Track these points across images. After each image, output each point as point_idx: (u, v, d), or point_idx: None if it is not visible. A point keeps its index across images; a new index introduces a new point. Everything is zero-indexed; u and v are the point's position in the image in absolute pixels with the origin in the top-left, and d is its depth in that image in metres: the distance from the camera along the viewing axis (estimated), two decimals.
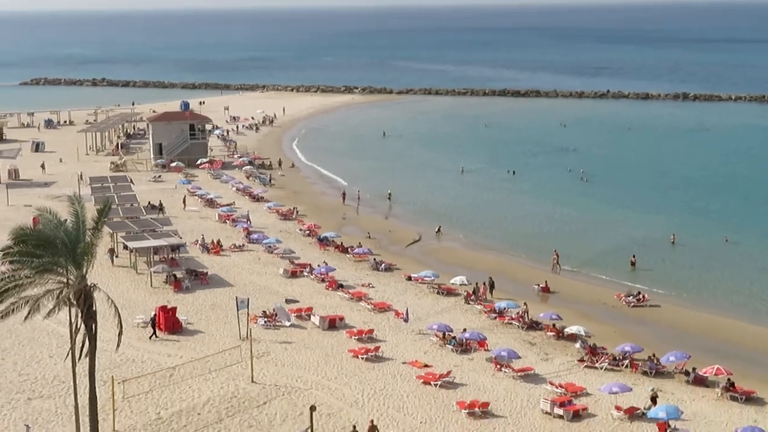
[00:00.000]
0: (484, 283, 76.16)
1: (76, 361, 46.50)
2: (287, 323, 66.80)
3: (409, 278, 79.77)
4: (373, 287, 77.04)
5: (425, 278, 78.92)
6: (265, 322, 66.50)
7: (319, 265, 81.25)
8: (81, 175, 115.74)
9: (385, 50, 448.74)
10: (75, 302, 44.62)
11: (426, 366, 58.59)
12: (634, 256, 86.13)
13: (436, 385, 55.37)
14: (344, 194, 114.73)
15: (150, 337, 63.71)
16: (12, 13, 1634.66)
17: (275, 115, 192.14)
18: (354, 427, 47.81)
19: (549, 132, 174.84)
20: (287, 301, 71.52)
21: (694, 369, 57.94)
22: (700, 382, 57.11)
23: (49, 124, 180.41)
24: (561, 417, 50.97)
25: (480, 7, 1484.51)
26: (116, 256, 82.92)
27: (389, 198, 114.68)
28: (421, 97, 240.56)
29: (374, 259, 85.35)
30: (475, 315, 70.85)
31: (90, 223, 46.48)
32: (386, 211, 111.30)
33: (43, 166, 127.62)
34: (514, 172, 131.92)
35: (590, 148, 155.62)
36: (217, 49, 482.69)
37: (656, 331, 68.17)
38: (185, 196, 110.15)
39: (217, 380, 55.88)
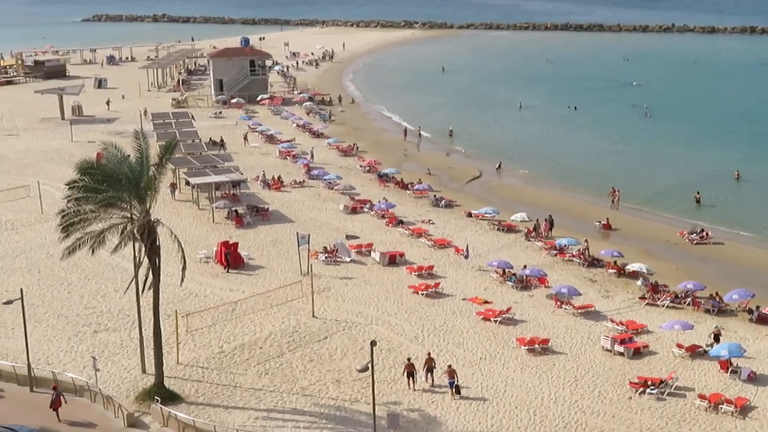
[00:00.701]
0: (546, 220, 75.73)
1: (140, 294, 47.25)
2: (348, 259, 67.10)
3: (470, 215, 79.54)
4: (433, 224, 76.95)
5: (485, 215, 78.64)
6: (325, 257, 66.85)
7: (379, 201, 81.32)
8: (145, 111, 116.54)
9: None
10: (139, 237, 45.14)
11: (486, 302, 58.57)
12: (698, 193, 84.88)
13: (495, 321, 55.40)
14: (406, 131, 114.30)
15: (227, 270, 64.51)
16: None
17: (334, 51, 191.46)
18: (408, 359, 48.11)
19: (611, 67, 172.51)
20: (348, 237, 71.77)
21: (757, 307, 57.30)
22: (764, 320, 56.45)
23: (111, 60, 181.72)
24: (621, 354, 50.77)
25: None
26: (179, 191, 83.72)
27: (450, 135, 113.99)
28: (481, 32, 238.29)
29: (434, 196, 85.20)
30: (535, 252, 70.57)
31: (153, 159, 46.84)
32: (447, 147, 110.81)
33: (108, 103, 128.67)
34: (575, 108, 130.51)
35: (654, 83, 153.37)
36: None
37: (719, 269, 67.40)
38: (246, 132, 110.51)
39: (278, 315, 56.43)
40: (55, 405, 44.35)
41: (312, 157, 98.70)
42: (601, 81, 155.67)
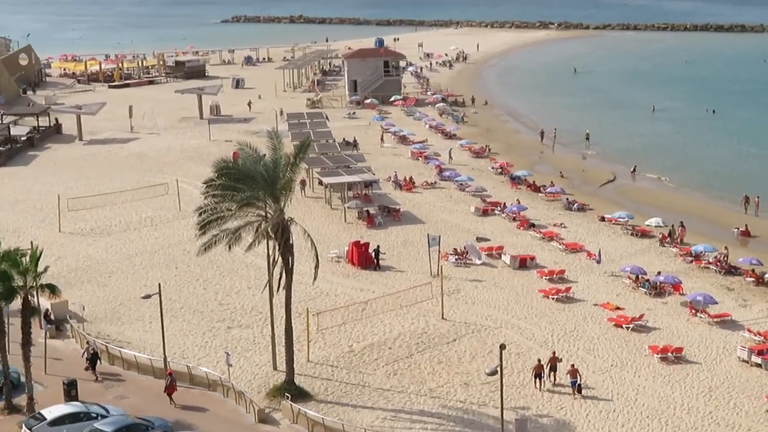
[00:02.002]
0: (681, 225, 74.10)
1: (274, 292, 48.06)
2: (478, 261, 66.92)
3: (603, 219, 78.42)
4: (565, 227, 76.15)
5: (619, 219, 77.46)
6: (456, 259, 66.81)
7: (510, 204, 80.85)
8: (281, 111, 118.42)
9: None
10: (273, 235, 45.92)
11: (618, 308, 57.67)
12: None
13: (627, 328, 54.49)
14: (542, 133, 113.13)
15: (375, 268, 65.37)
16: None
17: (468, 52, 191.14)
18: (539, 360, 47.84)
19: (753, 69, 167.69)
20: (478, 239, 71.59)
21: None
22: None
23: (248, 61, 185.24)
24: (759, 366, 49.33)
25: None
26: (311, 189, 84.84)
27: (587, 138, 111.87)
28: (617, 33, 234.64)
29: (567, 199, 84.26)
30: (670, 258, 69.14)
31: (288, 159, 47.57)
32: (580, 149, 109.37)
33: (249, 104, 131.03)
34: (713, 111, 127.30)
35: None
36: None
37: None
38: (383, 133, 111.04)
39: (407, 316, 56.65)
40: (169, 390, 46.08)
41: (450, 158, 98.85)
42: (741, 84, 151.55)
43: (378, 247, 67.53)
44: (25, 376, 44.74)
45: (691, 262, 67.69)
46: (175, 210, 79.73)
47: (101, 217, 78.68)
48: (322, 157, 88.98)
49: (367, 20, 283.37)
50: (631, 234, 74.52)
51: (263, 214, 46.41)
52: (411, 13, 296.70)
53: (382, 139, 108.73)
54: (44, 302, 54.12)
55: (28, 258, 44.29)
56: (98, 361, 49.63)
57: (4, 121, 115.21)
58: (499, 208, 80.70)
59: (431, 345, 52.52)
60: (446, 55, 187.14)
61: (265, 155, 48.04)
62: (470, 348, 51.99)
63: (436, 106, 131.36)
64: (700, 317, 56.36)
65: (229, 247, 46.69)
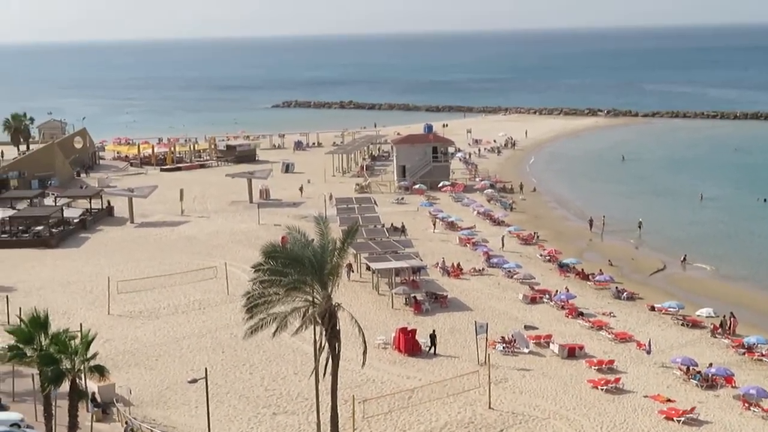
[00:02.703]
0: (732, 316, 73.04)
1: (320, 379, 47.85)
2: (526, 350, 66.33)
3: (653, 308, 77.58)
4: (614, 316, 75.40)
5: (669, 309, 76.59)
6: (503, 347, 66.28)
7: (559, 292, 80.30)
8: (330, 196, 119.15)
9: (631, 71, 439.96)
10: (320, 321, 45.90)
11: (669, 401, 56.72)
12: None
13: (679, 421, 53.51)
14: (591, 220, 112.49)
15: (429, 350, 65.22)
16: (263, 38, 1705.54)
17: (516, 138, 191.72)
18: None
19: None
20: (526, 327, 71.06)
21: None
22: None
23: (298, 145, 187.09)
24: None
25: (725, 26, 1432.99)
26: (358, 273, 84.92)
27: (640, 227, 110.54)
28: (666, 121, 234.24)
29: (616, 287, 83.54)
30: (721, 349, 68.05)
31: (336, 244, 47.74)
32: (629, 237, 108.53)
33: (301, 189, 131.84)
34: (765, 200, 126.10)
35: None
36: (454, 71, 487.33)
37: None
38: (434, 220, 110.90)
39: (454, 404, 56.09)
40: None
41: (502, 245, 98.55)
42: None
43: (434, 331, 67.31)
44: None
45: (744, 354, 66.58)
46: (223, 293, 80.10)
47: (150, 300, 79.25)
48: (370, 243, 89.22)
49: (416, 106, 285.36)
50: (682, 324, 73.59)
51: (310, 299, 46.49)
52: (460, 99, 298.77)
53: (434, 225, 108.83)
54: (91, 385, 54.28)
55: (77, 340, 44.56)
56: None
57: (57, 203, 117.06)
58: (547, 295, 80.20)
59: None
60: (495, 141, 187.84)
61: (313, 240, 48.29)
62: None
63: (485, 192, 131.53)
64: (754, 411, 55.25)
65: (275, 333, 46.70)
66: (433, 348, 66.18)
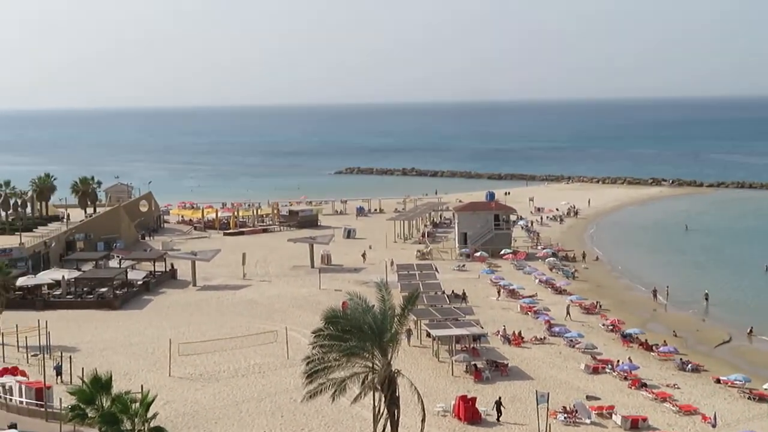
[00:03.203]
0: None
1: None
2: (588, 421, 65.31)
3: (718, 381, 76.11)
4: (678, 388, 74.04)
5: (735, 381, 75.03)
6: (564, 418, 65.35)
7: (621, 362, 79.14)
8: (391, 262, 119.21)
9: (695, 141, 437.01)
10: (380, 388, 45.70)
11: None
12: None
13: None
14: (655, 290, 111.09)
15: (497, 418, 64.80)
16: (326, 105, 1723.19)
17: (579, 207, 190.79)
18: None
19: None
20: (588, 398, 70.04)
21: None
22: None
23: (360, 211, 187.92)
24: None
25: None
26: (418, 340, 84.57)
27: (706, 299, 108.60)
28: (731, 191, 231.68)
29: (680, 359, 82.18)
30: None
31: (396, 310, 47.70)
32: (695, 308, 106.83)
33: (364, 255, 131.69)
34: None
35: None
36: (515, 139, 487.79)
37: None
38: (499, 288, 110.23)
39: None
40: None
41: (568, 314, 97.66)
42: None
43: (499, 398, 66.70)
44: None
45: None
46: (283, 357, 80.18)
47: (210, 363, 79.58)
48: (431, 309, 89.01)
49: (478, 174, 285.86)
50: (748, 398, 72.02)
51: (370, 365, 46.36)
52: (522, 167, 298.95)
53: (498, 293, 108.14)
54: None
55: (138, 403, 44.76)
56: None
57: (122, 266, 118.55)
58: (609, 366, 79.08)
59: None
60: (557, 209, 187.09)
61: (373, 306, 48.29)
62: None
63: (547, 260, 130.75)
64: None
65: (333, 398, 46.54)
66: (498, 415, 65.52)
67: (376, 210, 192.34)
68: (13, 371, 74.06)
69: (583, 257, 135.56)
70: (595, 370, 78.49)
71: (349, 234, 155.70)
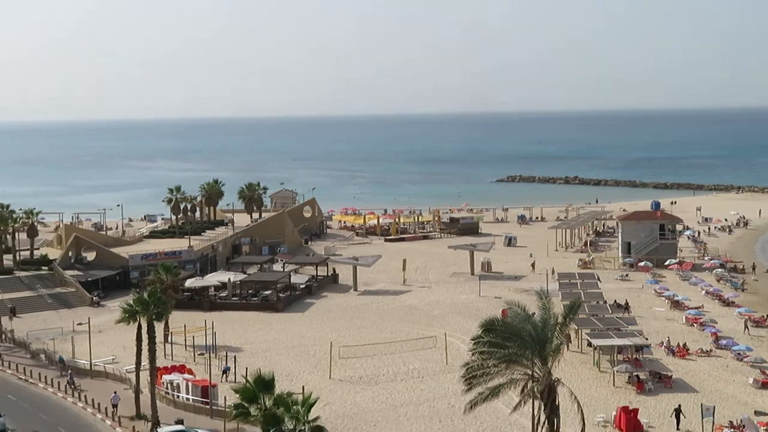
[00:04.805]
0: None
1: None
2: None
3: None
4: None
5: None
6: None
7: None
8: (552, 271, 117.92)
9: None
10: (539, 396, 45.24)
11: None
12: None
13: None
14: None
15: (677, 427, 64.06)
16: (484, 113, 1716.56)
17: (746, 217, 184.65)
18: None
19: None
20: (756, 413, 67.64)
21: None
22: None
23: (521, 219, 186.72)
24: None
25: None
26: (579, 350, 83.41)
27: None
28: None
29: None
30: None
31: (558, 319, 47.16)
32: None
33: (533, 265, 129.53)
34: None
35: None
36: (679, 147, 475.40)
37: None
38: (670, 300, 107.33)
39: None
40: None
41: (746, 328, 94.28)
42: None
43: (679, 406, 65.69)
44: None
45: None
46: (441, 363, 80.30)
47: (370, 366, 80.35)
48: (592, 318, 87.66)
49: (643, 183, 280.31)
50: None
51: (530, 372, 45.95)
52: (689, 176, 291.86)
53: (671, 305, 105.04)
54: None
55: (300, 404, 45.46)
56: None
57: (285, 269, 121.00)
58: None
59: None
60: (726, 220, 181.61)
61: (533, 314, 47.86)
62: None
63: (714, 271, 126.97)
64: None
65: (483, 400, 46.29)
66: (678, 423, 64.26)
67: (537, 218, 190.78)
68: (181, 369, 76.60)
69: (753, 269, 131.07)
70: (765, 385, 75.64)
71: (510, 242, 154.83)
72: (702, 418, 62.21)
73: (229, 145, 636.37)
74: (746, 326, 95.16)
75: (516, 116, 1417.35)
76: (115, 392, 70.95)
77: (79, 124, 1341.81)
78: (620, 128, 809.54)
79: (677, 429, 64.29)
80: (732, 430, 63.63)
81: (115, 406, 68.93)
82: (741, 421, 64.62)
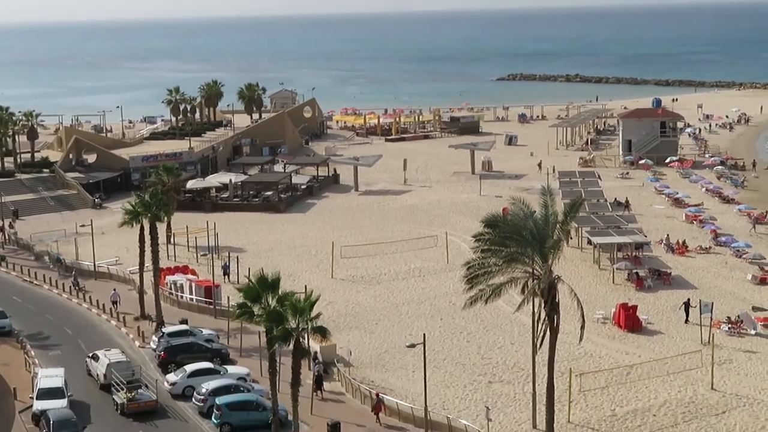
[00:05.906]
0: None
1: (536, 350, 47.69)
2: (753, 332, 63.87)
3: None
4: None
5: None
6: (729, 328, 64.07)
7: None
8: (553, 169, 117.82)
9: None
10: (539, 293, 45.64)
11: None
12: None
13: None
14: None
15: (686, 321, 65.12)
16: (476, 10, 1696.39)
17: (747, 114, 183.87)
18: None
19: None
20: (754, 309, 68.35)
21: None
22: None
23: (522, 118, 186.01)
24: None
25: None
26: (579, 247, 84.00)
27: None
28: None
29: None
30: None
31: (558, 216, 47.33)
32: None
33: (540, 165, 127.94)
34: None
35: None
36: (682, 43, 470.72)
37: None
38: (670, 200, 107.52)
39: (674, 383, 54.73)
40: (375, 410, 50.01)
41: (753, 228, 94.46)
42: None
43: (688, 300, 66.62)
44: (293, 415, 46.27)
45: None
46: (442, 262, 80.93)
47: (371, 266, 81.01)
48: (593, 216, 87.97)
49: (645, 80, 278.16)
50: None
51: (530, 270, 46.29)
52: (690, 73, 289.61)
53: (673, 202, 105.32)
54: (313, 344, 56.05)
55: (302, 301, 45.90)
56: (323, 382, 53.59)
57: (286, 170, 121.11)
58: None
59: (698, 415, 50.49)
60: (727, 117, 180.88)
61: (534, 212, 48.02)
62: (741, 422, 49.56)
63: (714, 169, 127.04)
64: None
65: (486, 301, 46.75)
66: (686, 317, 65.36)
67: (538, 117, 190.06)
68: (184, 270, 77.26)
69: (753, 166, 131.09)
70: (762, 281, 76.34)
71: (511, 141, 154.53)
72: (700, 314, 62.88)
73: (229, 45, 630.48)
74: (754, 225, 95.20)
75: (517, 12, 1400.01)
76: (114, 290, 71.79)
77: (77, 26, 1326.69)
78: (621, 24, 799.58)
79: (686, 322, 65.08)
80: (730, 325, 64.38)
81: (114, 303, 69.88)
82: (739, 316, 65.34)
